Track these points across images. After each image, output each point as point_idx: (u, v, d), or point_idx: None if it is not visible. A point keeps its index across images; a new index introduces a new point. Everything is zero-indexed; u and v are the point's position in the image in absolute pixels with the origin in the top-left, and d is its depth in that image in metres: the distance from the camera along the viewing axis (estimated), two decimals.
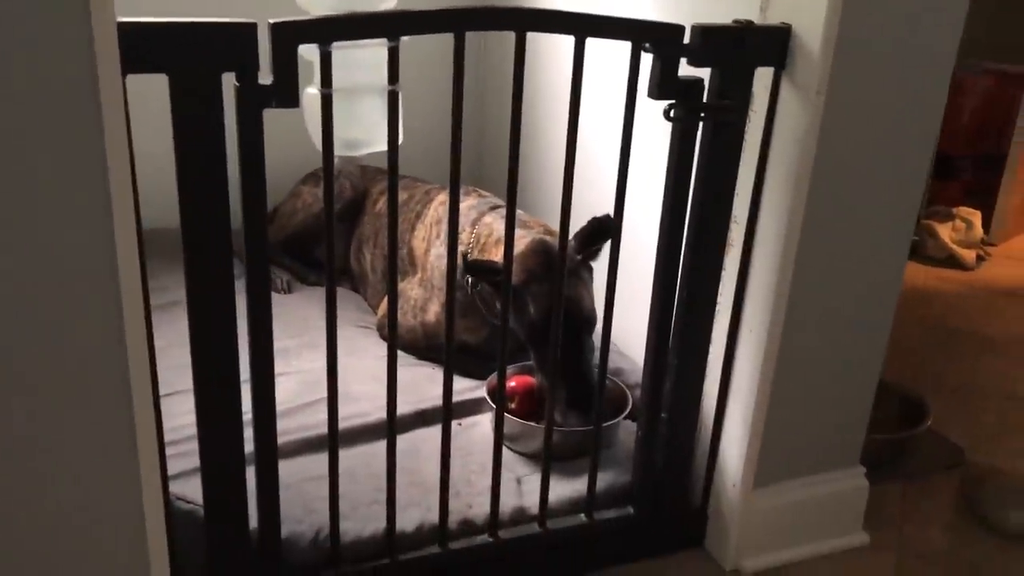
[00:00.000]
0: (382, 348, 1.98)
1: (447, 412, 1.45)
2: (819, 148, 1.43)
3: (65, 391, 1.10)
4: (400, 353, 1.66)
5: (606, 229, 1.66)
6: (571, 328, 1.71)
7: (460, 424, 1.82)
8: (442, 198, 2.18)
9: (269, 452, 1.35)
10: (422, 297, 2.10)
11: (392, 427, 1.41)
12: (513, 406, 1.80)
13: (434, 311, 2.06)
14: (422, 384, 1.93)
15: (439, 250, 2.07)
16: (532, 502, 1.60)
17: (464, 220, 2.02)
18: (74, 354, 1.09)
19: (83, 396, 1.11)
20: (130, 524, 1.19)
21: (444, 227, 2.04)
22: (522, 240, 1.84)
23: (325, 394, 1.36)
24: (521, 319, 1.79)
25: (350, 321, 2.18)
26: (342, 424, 1.46)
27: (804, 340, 1.57)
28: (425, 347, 2.07)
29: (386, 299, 1.94)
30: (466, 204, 2.07)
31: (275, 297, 1.74)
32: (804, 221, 1.47)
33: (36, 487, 1.13)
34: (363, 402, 1.81)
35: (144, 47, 1.06)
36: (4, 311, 1.04)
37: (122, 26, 1.01)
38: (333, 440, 1.38)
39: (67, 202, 1.03)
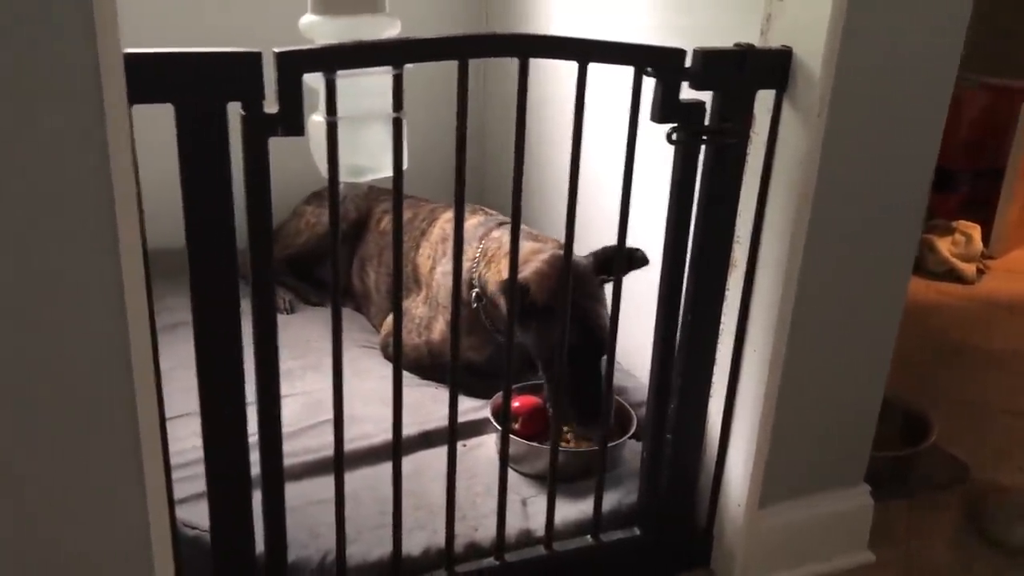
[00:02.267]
0: (386, 368, 1.98)
1: (452, 435, 1.45)
2: (821, 169, 1.43)
3: (70, 414, 1.10)
4: (404, 373, 1.66)
5: (630, 261, 1.68)
6: (593, 350, 1.74)
7: (465, 445, 1.82)
8: (448, 216, 2.18)
9: (276, 475, 1.35)
10: (427, 315, 2.10)
11: (398, 450, 1.41)
12: (517, 427, 1.79)
13: (439, 329, 2.06)
14: (426, 404, 1.93)
15: (446, 267, 2.06)
16: (538, 524, 1.60)
17: (471, 236, 2.02)
18: (79, 377, 1.09)
19: (88, 419, 1.11)
20: (137, 551, 1.19)
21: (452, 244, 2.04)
22: (538, 256, 1.84)
23: (329, 416, 1.36)
24: (544, 339, 1.78)
25: (354, 341, 2.18)
26: (347, 446, 1.46)
27: (808, 359, 1.57)
28: (430, 366, 2.07)
29: (390, 317, 1.94)
30: (473, 222, 2.08)
31: (278, 318, 1.73)
32: (807, 241, 1.48)
33: (40, 513, 1.13)
34: (367, 424, 1.81)
35: (150, 78, 1.07)
36: (8, 333, 1.04)
37: (128, 57, 1.02)
38: (339, 463, 1.38)
39: (73, 227, 1.04)
